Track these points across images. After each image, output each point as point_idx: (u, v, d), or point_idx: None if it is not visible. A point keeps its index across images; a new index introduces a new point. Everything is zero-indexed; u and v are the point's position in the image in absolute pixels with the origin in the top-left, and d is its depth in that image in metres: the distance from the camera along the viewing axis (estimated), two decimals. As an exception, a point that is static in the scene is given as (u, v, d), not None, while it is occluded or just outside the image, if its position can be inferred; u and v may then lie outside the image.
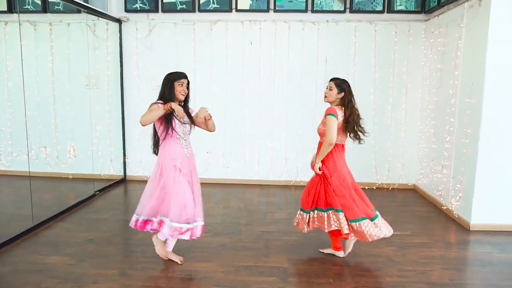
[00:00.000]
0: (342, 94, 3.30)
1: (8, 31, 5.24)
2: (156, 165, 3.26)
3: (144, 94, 6.09)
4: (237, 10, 5.83)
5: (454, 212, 4.54)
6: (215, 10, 5.87)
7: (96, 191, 5.43)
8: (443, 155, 4.87)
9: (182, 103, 3.30)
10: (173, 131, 3.17)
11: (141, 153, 6.17)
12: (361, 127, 3.36)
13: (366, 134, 3.41)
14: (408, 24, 5.71)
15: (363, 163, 5.94)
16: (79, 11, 5.43)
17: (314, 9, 5.74)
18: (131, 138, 6.24)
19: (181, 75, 3.21)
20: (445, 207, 4.81)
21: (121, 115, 6.17)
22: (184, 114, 3.15)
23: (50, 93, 5.88)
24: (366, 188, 5.91)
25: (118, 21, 5.94)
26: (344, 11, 5.74)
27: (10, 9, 4.93)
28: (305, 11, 5.77)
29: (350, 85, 3.36)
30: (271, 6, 5.80)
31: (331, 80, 3.36)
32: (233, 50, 5.89)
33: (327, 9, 5.74)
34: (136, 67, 6.08)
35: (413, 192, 5.83)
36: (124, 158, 6.26)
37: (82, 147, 6.12)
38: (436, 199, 5.12)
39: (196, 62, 5.96)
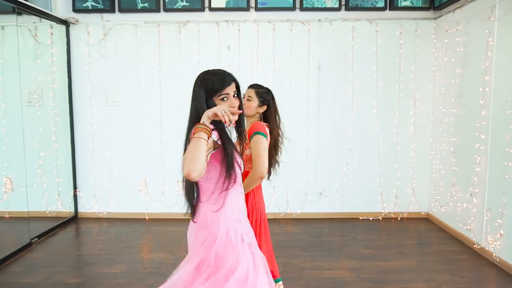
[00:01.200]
0: (264, 107, 2.47)
1: None
2: (206, 247, 1.69)
3: (99, 112, 4.90)
4: (211, 9, 4.75)
5: (494, 254, 3.51)
6: (184, 9, 4.77)
7: (33, 238, 4.15)
8: (471, 181, 3.86)
9: (234, 129, 1.92)
10: (236, 173, 1.76)
11: (96, 184, 4.96)
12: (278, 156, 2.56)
13: (277, 168, 2.59)
14: (415, 22, 4.76)
15: (366, 189, 4.90)
16: (15, 11, 4.27)
17: (304, 6, 4.72)
18: (83, 167, 5.01)
19: (223, 81, 1.76)
20: (478, 246, 3.78)
21: (70, 139, 4.94)
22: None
23: (-21, 112, 4.65)
24: (371, 219, 4.85)
25: (65, 23, 4.76)
26: (339, 9, 4.73)
27: None
28: (293, 9, 4.74)
29: (275, 98, 2.54)
30: (252, 4, 4.75)
31: (251, 87, 2.51)
32: (207, 57, 4.79)
33: (319, 6, 4.73)
34: (88, 79, 4.89)
35: (427, 222, 4.79)
36: (75, 191, 5.02)
37: (22, 178, 4.88)
38: (463, 235, 4.07)
39: (162, 72, 4.85)
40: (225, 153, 1.69)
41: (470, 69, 3.96)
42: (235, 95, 1.79)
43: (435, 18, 4.70)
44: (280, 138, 2.48)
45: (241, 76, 4.74)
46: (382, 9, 4.72)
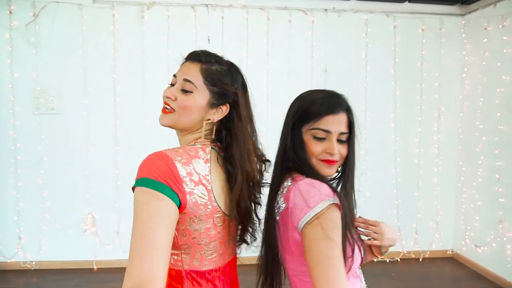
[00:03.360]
0: (223, 109, 1.15)
1: None
2: None
3: (26, 123, 3.42)
4: (186, -12, 3.50)
5: None
6: (149, -13, 3.47)
7: None
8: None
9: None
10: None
11: (21, 224, 3.46)
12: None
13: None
14: (439, 18, 3.77)
15: (380, 223, 3.82)
16: None
17: (307, -10, 3.60)
18: (2, 199, 3.50)
19: (328, 105, 1.11)
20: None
21: (-18, 160, 3.42)
22: None
23: None
24: (387, 261, 3.76)
25: (-24, -4, 3.28)
26: (350, -4, 3.66)
27: None
28: (293, -6, 3.61)
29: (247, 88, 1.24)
30: (240, -15, 3.56)
31: (192, 59, 1.21)
32: (179, 51, 3.51)
33: (326, -8, 3.64)
34: (10, 77, 3.40)
35: (454, 263, 3.74)
36: (-11, 234, 3.48)
37: None
38: None
39: (117, 70, 3.49)
40: None
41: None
42: (344, 138, 1.13)
43: (463, 14, 3.74)
44: (255, 173, 1.13)
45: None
46: (401, 0, 3.70)
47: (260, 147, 1.19)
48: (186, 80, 1.04)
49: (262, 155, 1.19)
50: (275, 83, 3.58)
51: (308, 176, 1.09)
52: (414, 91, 3.77)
